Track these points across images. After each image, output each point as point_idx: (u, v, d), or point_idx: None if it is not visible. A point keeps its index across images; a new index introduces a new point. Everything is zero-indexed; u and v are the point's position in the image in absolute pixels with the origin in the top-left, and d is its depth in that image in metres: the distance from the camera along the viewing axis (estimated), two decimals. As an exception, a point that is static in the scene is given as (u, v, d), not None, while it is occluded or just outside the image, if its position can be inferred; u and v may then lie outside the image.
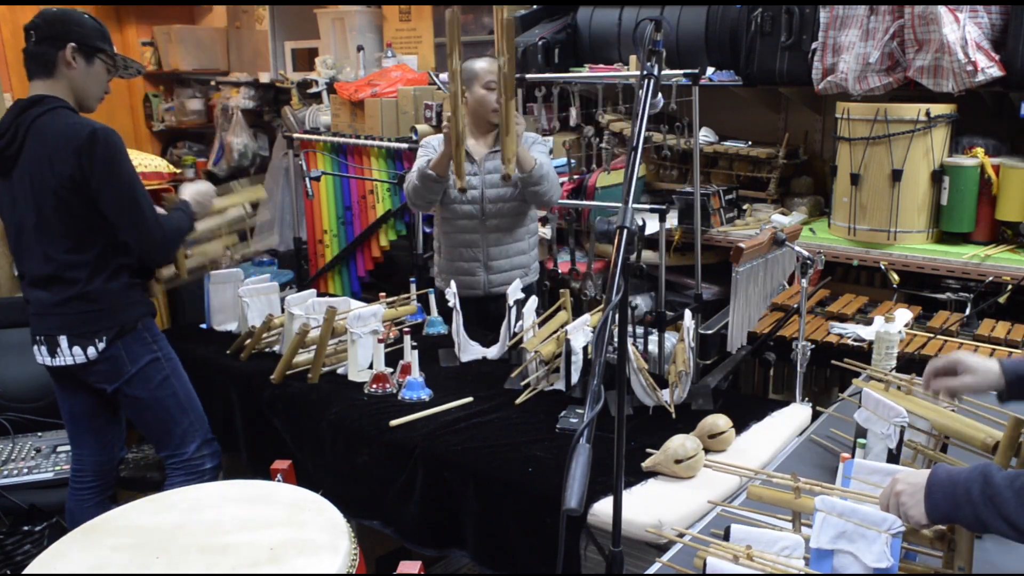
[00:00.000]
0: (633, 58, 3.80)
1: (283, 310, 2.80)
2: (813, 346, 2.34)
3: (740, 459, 1.89)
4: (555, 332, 2.44)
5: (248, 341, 2.76)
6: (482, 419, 2.23)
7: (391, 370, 2.49)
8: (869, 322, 2.74)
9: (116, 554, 1.53)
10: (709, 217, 3.47)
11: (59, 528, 2.78)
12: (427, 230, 3.86)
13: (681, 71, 3.19)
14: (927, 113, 3.00)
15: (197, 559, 1.51)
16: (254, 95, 5.79)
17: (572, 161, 3.88)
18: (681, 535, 1.54)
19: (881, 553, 1.27)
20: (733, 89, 3.68)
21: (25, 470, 2.90)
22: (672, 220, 3.45)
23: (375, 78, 4.63)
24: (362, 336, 2.54)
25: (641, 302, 3.64)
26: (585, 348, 2.32)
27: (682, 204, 3.49)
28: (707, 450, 1.93)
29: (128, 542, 1.57)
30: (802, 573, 1.30)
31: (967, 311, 2.75)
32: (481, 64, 2.91)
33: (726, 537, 1.40)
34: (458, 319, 2.67)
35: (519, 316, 2.64)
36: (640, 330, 3.13)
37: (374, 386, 2.45)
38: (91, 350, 2.33)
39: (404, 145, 4.01)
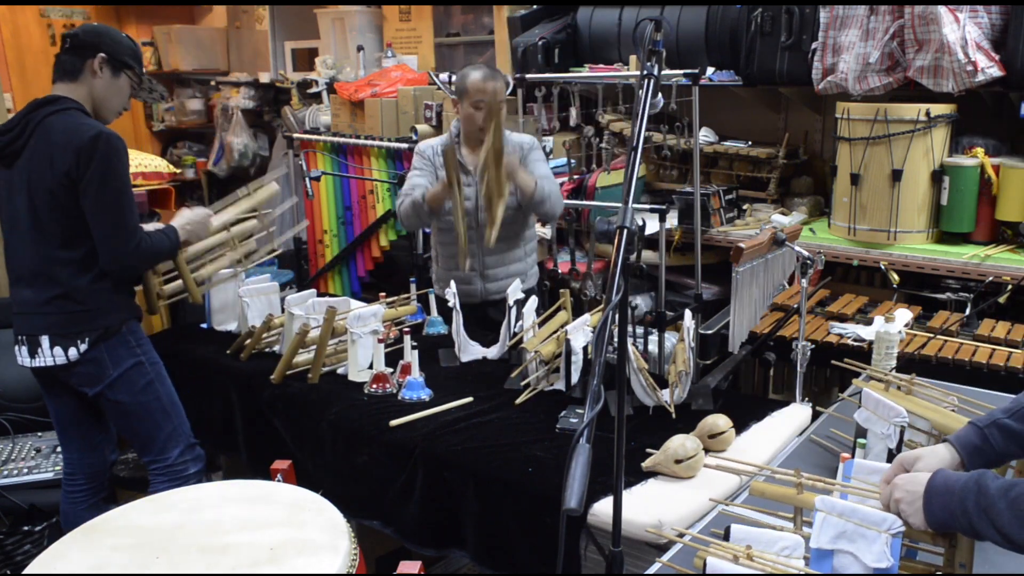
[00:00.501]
0: (633, 58, 3.80)
1: (283, 310, 2.80)
2: (813, 346, 2.34)
3: (740, 459, 1.88)
4: (555, 332, 2.44)
5: (248, 341, 2.76)
6: (482, 419, 2.23)
7: (391, 370, 2.49)
8: (869, 322, 2.74)
9: (116, 554, 1.53)
10: (709, 217, 3.47)
11: (59, 528, 2.78)
12: (427, 230, 3.86)
13: (681, 71, 3.19)
14: (927, 113, 3.00)
15: (197, 559, 1.51)
16: (254, 95, 5.80)
17: (572, 161, 3.88)
18: (681, 535, 1.54)
19: (881, 553, 1.27)
20: (733, 89, 3.68)
21: (25, 470, 2.90)
22: (672, 220, 3.45)
23: (375, 78, 4.64)
24: (362, 336, 2.54)
25: (641, 302, 3.64)
26: (585, 348, 2.32)
27: (682, 204, 3.49)
28: (707, 450, 1.93)
29: (128, 542, 1.57)
30: (802, 573, 1.30)
31: (967, 311, 2.75)
32: (472, 78, 2.80)
33: (726, 537, 1.40)
34: (458, 319, 2.67)
35: (519, 316, 2.64)
36: (640, 330, 3.13)
37: (374, 386, 2.45)
38: (72, 351, 2.31)
39: (404, 145, 4.02)
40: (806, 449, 1.97)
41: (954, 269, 2.99)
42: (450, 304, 2.70)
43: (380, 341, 2.52)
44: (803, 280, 2.21)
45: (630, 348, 2.05)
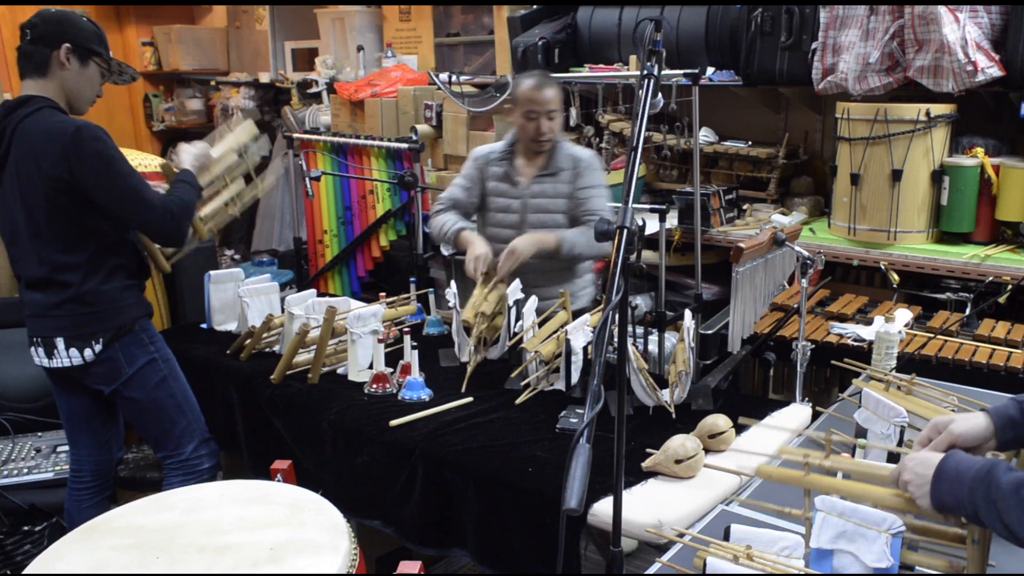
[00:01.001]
0: (633, 58, 3.80)
1: (283, 310, 2.80)
2: (813, 346, 2.34)
3: (740, 459, 1.89)
4: (555, 332, 2.44)
5: (248, 341, 2.76)
6: (482, 419, 2.23)
7: (391, 370, 2.49)
8: (869, 322, 2.74)
9: (116, 554, 1.53)
10: (709, 217, 3.47)
11: (59, 528, 2.78)
12: (427, 230, 3.86)
13: (681, 71, 3.19)
14: (927, 113, 3.00)
15: (197, 559, 1.51)
16: (254, 95, 5.79)
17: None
18: (681, 535, 1.54)
19: (881, 553, 1.27)
20: (733, 89, 3.68)
21: (25, 470, 2.90)
22: (672, 220, 3.45)
23: (375, 78, 4.64)
24: (362, 336, 2.54)
25: (641, 302, 3.63)
26: (585, 348, 2.32)
27: (682, 204, 3.49)
28: (707, 450, 1.93)
29: (128, 542, 1.57)
30: (802, 573, 1.30)
31: (967, 311, 2.75)
32: (524, 87, 2.67)
33: (726, 537, 1.40)
34: (458, 319, 2.67)
35: (519, 316, 2.63)
36: (640, 330, 3.13)
37: (374, 386, 2.45)
38: (88, 352, 2.33)
39: (404, 145, 4.01)
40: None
41: (954, 269, 2.99)
42: (450, 304, 2.69)
43: (380, 341, 2.52)
44: (803, 280, 2.21)
45: (630, 348, 2.05)
